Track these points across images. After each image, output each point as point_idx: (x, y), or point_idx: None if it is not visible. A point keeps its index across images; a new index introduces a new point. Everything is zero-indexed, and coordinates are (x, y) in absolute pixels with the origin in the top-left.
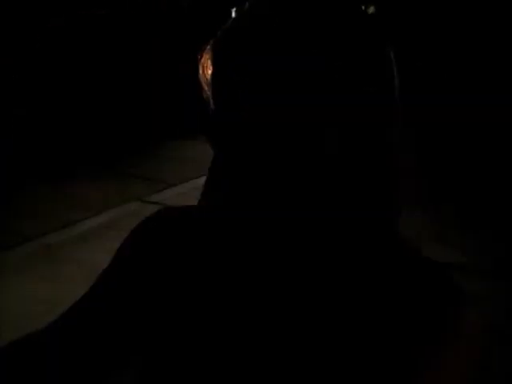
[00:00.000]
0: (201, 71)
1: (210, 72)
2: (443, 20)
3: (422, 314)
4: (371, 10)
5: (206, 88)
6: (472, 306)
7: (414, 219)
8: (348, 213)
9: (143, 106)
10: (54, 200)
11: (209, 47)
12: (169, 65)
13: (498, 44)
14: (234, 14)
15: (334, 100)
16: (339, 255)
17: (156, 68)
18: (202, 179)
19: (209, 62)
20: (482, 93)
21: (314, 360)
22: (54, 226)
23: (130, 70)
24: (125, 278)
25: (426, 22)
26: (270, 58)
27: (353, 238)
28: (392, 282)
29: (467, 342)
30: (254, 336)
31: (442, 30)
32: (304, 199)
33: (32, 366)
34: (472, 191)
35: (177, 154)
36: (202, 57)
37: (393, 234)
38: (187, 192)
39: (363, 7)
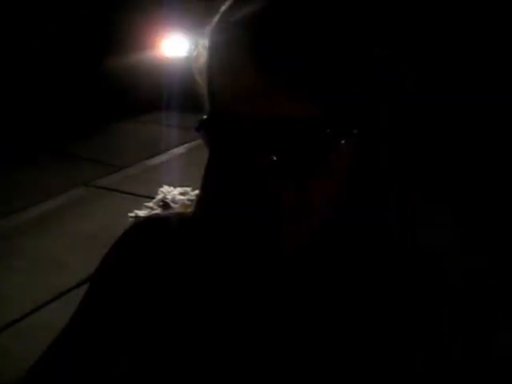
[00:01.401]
0: (194, 63)
1: (203, 62)
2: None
3: (417, 314)
4: None
5: (200, 81)
6: (467, 304)
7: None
8: (343, 213)
9: (93, 88)
10: (3, 186)
11: (204, 38)
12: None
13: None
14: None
15: (319, 101)
16: (335, 254)
17: (105, 48)
18: (152, 160)
19: (203, 51)
20: (476, 94)
21: (312, 361)
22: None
23: (79, 50)
24: (113, 286)
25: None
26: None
27: (348, 238)
28: (388, 282)
29: (463, 341)
30: (251, 339)
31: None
32: None
33: None
34: (468, 191)
35: (128, 136)
36: (195, 48)
37: (388, 234)
38: (137, 174)
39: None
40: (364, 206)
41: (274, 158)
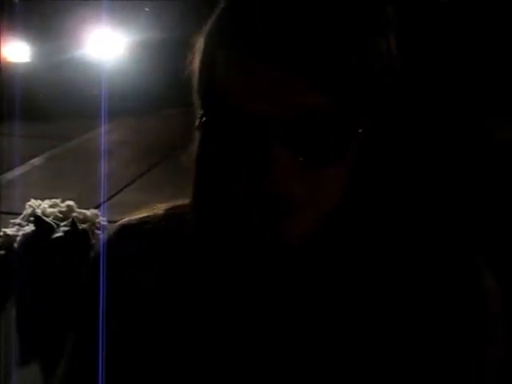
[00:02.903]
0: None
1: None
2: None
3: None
4: None
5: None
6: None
7: None
8: (348, 201)
9: None
10: None
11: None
12: None
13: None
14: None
15: (330, 88)
16: (340, 242)
17: None
18: (8, 174)
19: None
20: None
21: (316, 352)
22: None
23: None
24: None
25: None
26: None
27: (353, 226)
28: (388, 266)
29: (494, 319)
30: (255, 332)
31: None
32: None
33: None
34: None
35: None
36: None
37: (391, 220)
38: None
39: None
40: (367, 193)
41: (286, 150)
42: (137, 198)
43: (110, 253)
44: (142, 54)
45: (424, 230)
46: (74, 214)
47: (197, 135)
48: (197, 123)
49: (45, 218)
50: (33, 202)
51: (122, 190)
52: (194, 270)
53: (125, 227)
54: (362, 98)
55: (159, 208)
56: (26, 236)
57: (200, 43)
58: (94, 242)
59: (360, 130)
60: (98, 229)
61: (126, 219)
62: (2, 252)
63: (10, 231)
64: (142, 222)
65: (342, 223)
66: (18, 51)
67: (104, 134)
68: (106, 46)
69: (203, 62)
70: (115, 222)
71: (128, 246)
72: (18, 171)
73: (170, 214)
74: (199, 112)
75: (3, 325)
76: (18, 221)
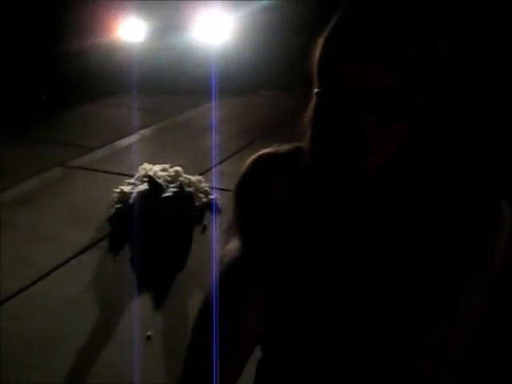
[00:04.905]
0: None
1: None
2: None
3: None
4: None
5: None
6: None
7: None
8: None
9: (51, 72)
10: None
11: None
12: None
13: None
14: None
15: (403, 74)
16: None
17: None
18: (121, 142)
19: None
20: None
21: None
22: None
23: (34, 35)
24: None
25: None
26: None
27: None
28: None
29: (506, 233)
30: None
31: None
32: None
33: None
34: None
35: (94, 119)
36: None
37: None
38: (109, 155)
39: None
40: (419, 145)
41: (368, 115)
42: (237, 168)
43: (255, 171)
44: (247, 37)
45: (455, 171)
46: (181, 179)
47: (312, 102)
48: (314, 92)
49: (156, 179)
50: (145, 166)
51: (223, 161)
52: (309, 190)
53: (263, 155)
54: (421, 81)
55: (281, 148)
56: (141, 193)
57: (320, 42)
58: (197, 203)
59: (418, 102)
60: (201, 193)
61: (261, 151)
62: (120, 205)
63: (126, 189)
64: (274, 154)
65: (399, 164)
66: (133, 31)
67: (210, 111)
68: (215, 29)
69: (322, 55)
70: (217, 188)
71: (267, 167)
72: (129, 140)
73: (290, 150)
74: (316, 87)
75: (121, 265)
76: (132, 180)
